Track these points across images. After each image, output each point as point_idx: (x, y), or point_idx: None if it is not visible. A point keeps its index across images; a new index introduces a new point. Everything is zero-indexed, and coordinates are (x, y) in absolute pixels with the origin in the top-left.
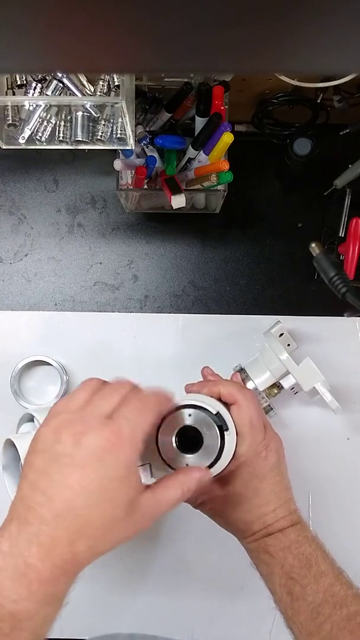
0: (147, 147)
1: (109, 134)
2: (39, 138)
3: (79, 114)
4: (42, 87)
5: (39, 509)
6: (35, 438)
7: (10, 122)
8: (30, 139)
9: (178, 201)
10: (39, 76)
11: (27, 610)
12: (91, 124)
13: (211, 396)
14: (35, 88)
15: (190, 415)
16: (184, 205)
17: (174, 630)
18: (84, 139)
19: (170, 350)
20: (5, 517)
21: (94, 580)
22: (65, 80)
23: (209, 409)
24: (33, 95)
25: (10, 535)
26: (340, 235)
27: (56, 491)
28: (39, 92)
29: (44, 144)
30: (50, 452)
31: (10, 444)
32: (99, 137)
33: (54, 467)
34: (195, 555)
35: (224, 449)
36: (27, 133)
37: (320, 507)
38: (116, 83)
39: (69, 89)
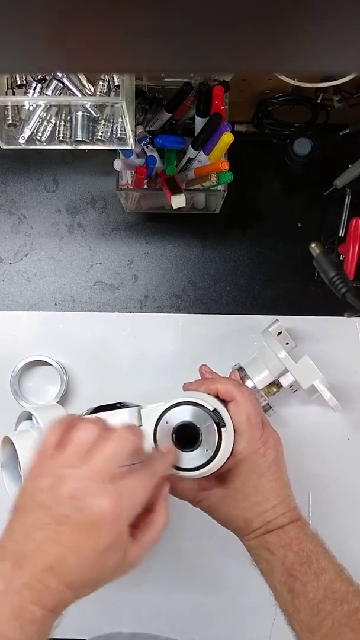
0: (147, 147)
1: (109, 134)
2: (39, 138)
3: (79, 114)
4: (42, 87)
5: (32, 557)
6: (31, 485)
7: (10, 122)
8: (30, 139)
9: (178, 201)
10: (39, 76)
11: None
12: (91, 124)
13: (209, 393)
14: (35, 88)
15: (187, 412)
16: (184, 205)
17: (173, 630)
18: (84, 139)
19: (170, 350)
20: None
21: None
22: (65, 80)
23: (207, 406)
24: (33, 95)
25: (5, 575)
26: (340, 235)
27: (50, 546)
28: (39, 92)
29: (44, 144)
30: (47, 507)
31: (9, 442)
32: (99, 137)
33: (50, 523)
34: (195, 554)
35: (222, 445)
36: (27, 133)
37: (320, 506)
38: (116, 83)
39: (69, 89)
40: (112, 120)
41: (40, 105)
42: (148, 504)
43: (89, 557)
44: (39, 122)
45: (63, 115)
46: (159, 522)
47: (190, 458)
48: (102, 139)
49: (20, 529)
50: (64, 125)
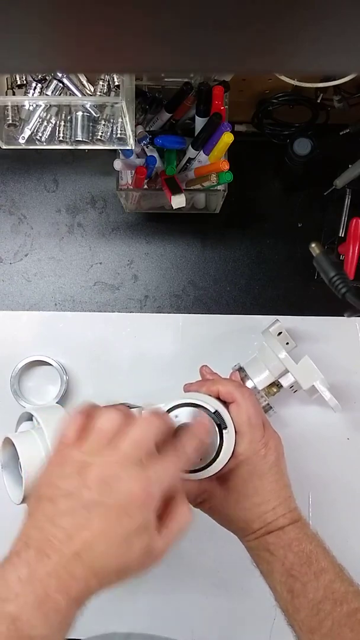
0: (147, 147)
1: (109, 134)
2: (39, 138)
3: (79, 114)
4: (42, 87)
5: (59, 544)
6: (55, 473)
7: (10, 122)
8: (30, 139)
9: (178, 201)
10: (39, 76)
11: (43, 636)
12: (91, 124)
13: (210, 395)
14: (35, 88)
15: (189, 414)
16: (184, 205)
17: (173, 630)
18: (84, 139)
19: (170, 350)
20: (17, 538)
21: None
22: (65, 80)
23: (208, 408)
24: (33, 95)
25: (29, 563)
26: (340, 235)
27: (78, 531)
28: (39, 92)
29: (44, 144)
30: (74, 494)
31: (9, 443)
32: (99, 137)
33: (78, 510)
34: (195, 554)
35: (223, 447)
36: (27, 133)
37: (320, 506)
38: (116, 83)
39: (69, 89)
40: (112, 120)
41: (40, 105)
42: (165, 499)
43: (117, 541)
44: (39, 122)
45: (63, 115)
46: (182, 515)
47: None
48: (102, 139)
49: (45, 517)
50: (64, 125)
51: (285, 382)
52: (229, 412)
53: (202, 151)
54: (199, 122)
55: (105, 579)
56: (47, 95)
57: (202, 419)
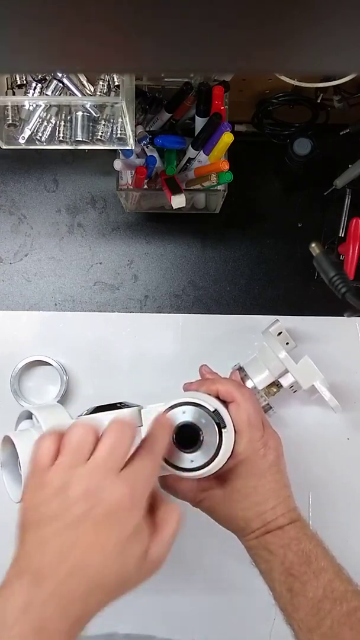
0: (147, 147)
1: (109, 134)
2: (39, 138)
3: (79, 114)
4: (42, 87)
5: (52, 568)
6: (36, 498)
7: (10, 122)
8: (30, 139)
9: (178, 201)
10: (39, 76)
11: None
12: (91, 124)
13: (209, 394)
14: (35, 88)
15: (188, 412)
16: (184, 205)
17: (173, 630)
18: (84, 139)
19: (170, 350)
20: (10, 565)
21: None
22: (65, 80)
23: (207, 407)
24: (33, 95)
25: (24, 591)
26: (340, 235)
27: (69, 551)
28: (39, 92)
29: (44, 144)
30: (59, 515)
31: (9, 441)
32: (99, 137)
33: (65, 530)
34: (195, 554)
35: (222, 446)
36: (27, 133)
37: (320, 506)
38: (116, 83)
39: (69, 89)
40: (112, 120)
41: (40, 105)
42: (150, 503)
43: (112, 550)
44: (39, 122)
45: (63, 115)
46: (170, 513)
47: (191, 458)
48: (102, 139)
49: (33, 543)
50: (64, 125)
51: (285, 382)
52: (228, 411)
53: (202, 151)
54: (199, 122)
55: (104, 594)
56: (47, 95)
57: (164, 418)
